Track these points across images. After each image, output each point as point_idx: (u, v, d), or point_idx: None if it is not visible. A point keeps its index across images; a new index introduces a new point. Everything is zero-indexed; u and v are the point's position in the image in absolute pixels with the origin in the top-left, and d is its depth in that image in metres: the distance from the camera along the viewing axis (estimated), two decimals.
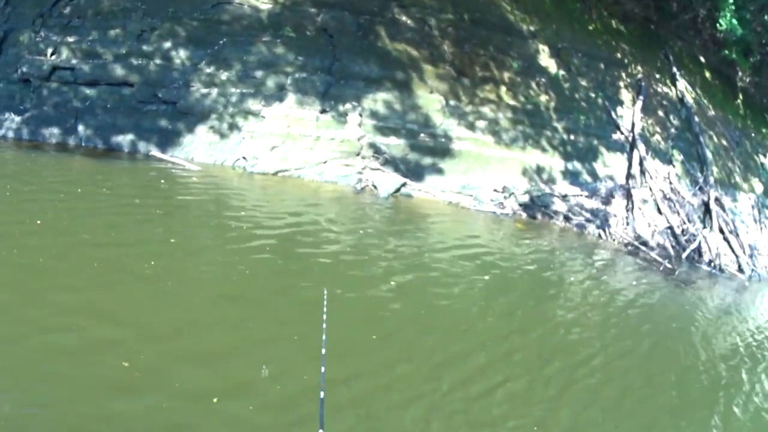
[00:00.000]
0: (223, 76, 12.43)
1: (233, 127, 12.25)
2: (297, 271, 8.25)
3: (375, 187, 12.47)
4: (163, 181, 10.82)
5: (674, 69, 17.20)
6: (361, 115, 12.61)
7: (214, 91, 12.36)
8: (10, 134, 12.25)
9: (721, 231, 16.52)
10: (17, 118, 12.44)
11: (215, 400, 5.20)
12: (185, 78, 12.44)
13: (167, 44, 12.63)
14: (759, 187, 18.41)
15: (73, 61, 12.64)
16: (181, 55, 12.58)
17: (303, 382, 5.57)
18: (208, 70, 12.47)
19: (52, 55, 12.78)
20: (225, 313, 6.75)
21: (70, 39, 12.82)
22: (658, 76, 16.74)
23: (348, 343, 6.51)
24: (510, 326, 8.16)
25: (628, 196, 15.34)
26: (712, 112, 17.62)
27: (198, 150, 12.12)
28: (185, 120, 12.25)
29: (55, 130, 12.30)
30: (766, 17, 17.48)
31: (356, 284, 8.12)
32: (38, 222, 8.11)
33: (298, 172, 12.15)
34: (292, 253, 8.78)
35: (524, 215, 13.67)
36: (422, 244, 10.42)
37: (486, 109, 13.57)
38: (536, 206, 13.97)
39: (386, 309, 7.69)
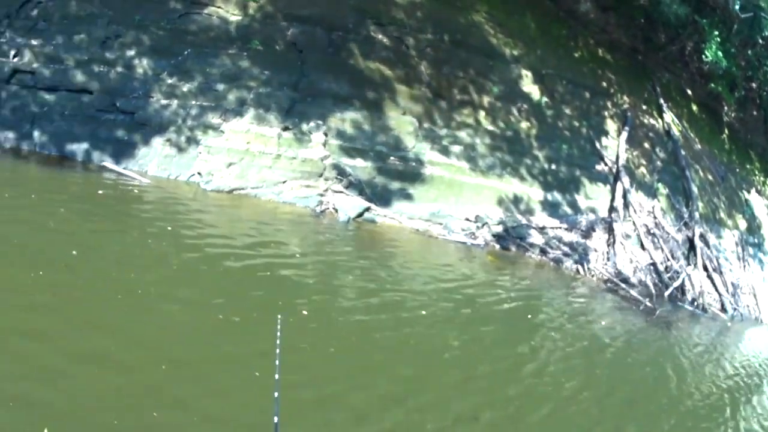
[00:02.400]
0: (185, 87, 10.82)
1: (191, 140, 10.62)
2: (251, 298, 6.90)
3: (336, 210, 10.79)
4: (101, 191, 9.26)
5: (661, 101, 15.40)
6: (326, 134, 10.94)
7: (174, 103, 10.75)
8: None
9: (705, 269, 14.77)
10: None
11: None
12: (146, 88, 10.84)
13: (130, 52, 11.03)
14: (743, 224, 16.59)
15: (35, 65, 11.08)
16: (143, 65, 10.98)
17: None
18: (169, 81, 10.86)
19: (14, 57, 11.22)
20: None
21: (35, 42, 11.25)
22: (644, 107, 14.97)
23: (306, 374, 5.59)
24: (477, 362, 6.85)
25: (610, 230, 13.60)
26: (698, 146, 15.82)
27: (153, 163, 10.51)
28: (142, 131, 10.64)
29: (11, 135, 10.73)
30: (749, 52, 15.76)
31: (316, 315, 6.79)
32: None
33: (255, 191, 10.52)
34: (244, 279, 7.34)
35: (497, 247, 11.94)
36: (386, 275, 8.79)
37: (463, 134, 11.88)
38: (511, 238, 12.23)
39: (344, 343, 6.42)
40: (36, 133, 10.76)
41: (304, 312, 6.79)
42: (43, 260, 6.53)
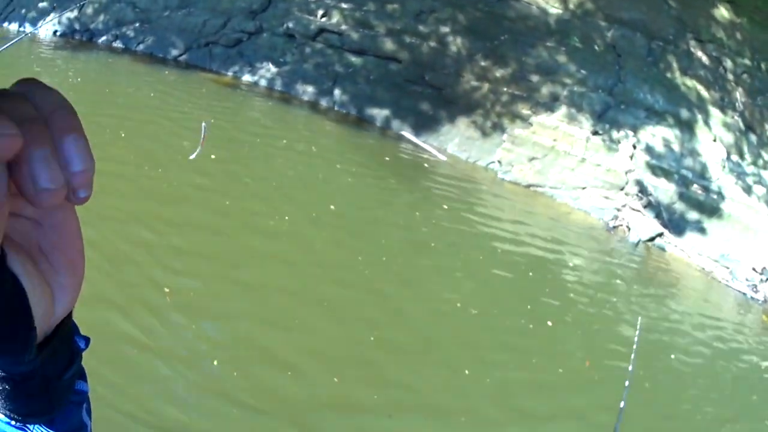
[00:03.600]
0: (498, 73, 10.25)
1: (497, 127, 10.03)
2: (499, 294, 6.40)
3: (629, 229, 9.87)
4: (387, 158, 8.87)
5: None
6: (635, 146, 10.06)
7: (485, 86, 10.20)
8: (263, 82, 10.85)
9: None
10: (274, 69, 10.89)
11: None
12: (457, 66, 10.38)
13: (445, 29, 10.62)
14: None
15: (343, 27, 10.89)
16: (457, 42, 10.53)
17: None
18: (483, 64, 10.34)
19: (322, 17, 11.08)
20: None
21: (344, 5, 11.09)
22: None
23: None
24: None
25: None
26: None
27: (453, 142, 10.02)
28: (448, 108, 10.17)
29: (310, 89, 10.59)
30: None
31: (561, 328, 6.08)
32: (212, 156, 6.92)
33: (552, 191, 9.78)
34: (504, 275, 6.79)
35: None
36: (655, 312, 7.81)
37: (767, 175, 10.66)
38: None
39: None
40: (336, 92, 10.55)
41: (548, 323, 6.02)
42: (294, 208, 6.41)
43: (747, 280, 10.51)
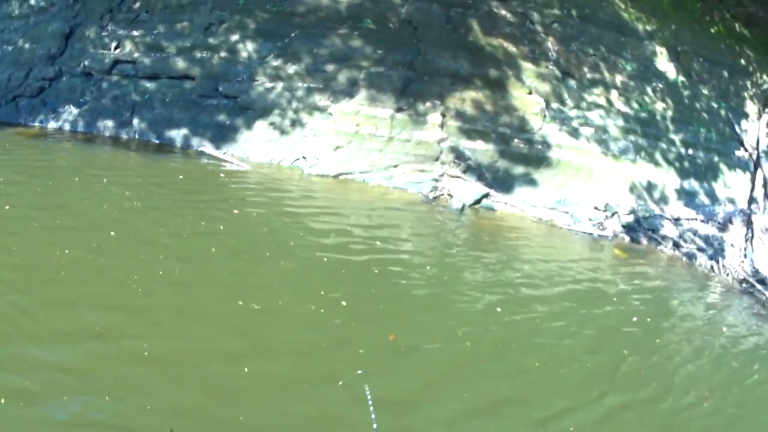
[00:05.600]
0: (291, 69, 9.82)
1: (296, 123, 9.59)
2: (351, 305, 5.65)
3: (450, 196, 9.43)
4: (181, 176, 8.44)
5: None
6: (443, 115, 9.63)
7: (279, 86, 9.76)
8: (67, 126, 10.40)
9: None
10: (75, 111, 10.47)
11: None
12: (250, 72, 9.93)
13: (235, 37, 10.19)
14: None
15: (135, 55, 10.44)
16: (248, 48, 10.10)
17: None
18: (275, 64, 9.90)
19: (115, 49, 10.59)
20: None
21: (136, 33, 10.64)
22: None
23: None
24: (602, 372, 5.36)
25: (749, 223, 11.54)
26: None
27: (255, 147, 9.60)
28: (245, 115, 9.73)
29: (110, 123, 10.12)
30: None
31: (427, 328, 5.55)
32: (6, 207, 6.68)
33: (363, 175, 9.34)
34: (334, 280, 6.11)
35: (627, 239, 10.21)
36: (508, 274, 7.31)
37: (594, 115, 10.31)
38: (642, 229, 10.47)
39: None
40: (135, 121, 10.13)
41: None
42: (77, 239, 6.12)
43: (590, 220, 10.13)
